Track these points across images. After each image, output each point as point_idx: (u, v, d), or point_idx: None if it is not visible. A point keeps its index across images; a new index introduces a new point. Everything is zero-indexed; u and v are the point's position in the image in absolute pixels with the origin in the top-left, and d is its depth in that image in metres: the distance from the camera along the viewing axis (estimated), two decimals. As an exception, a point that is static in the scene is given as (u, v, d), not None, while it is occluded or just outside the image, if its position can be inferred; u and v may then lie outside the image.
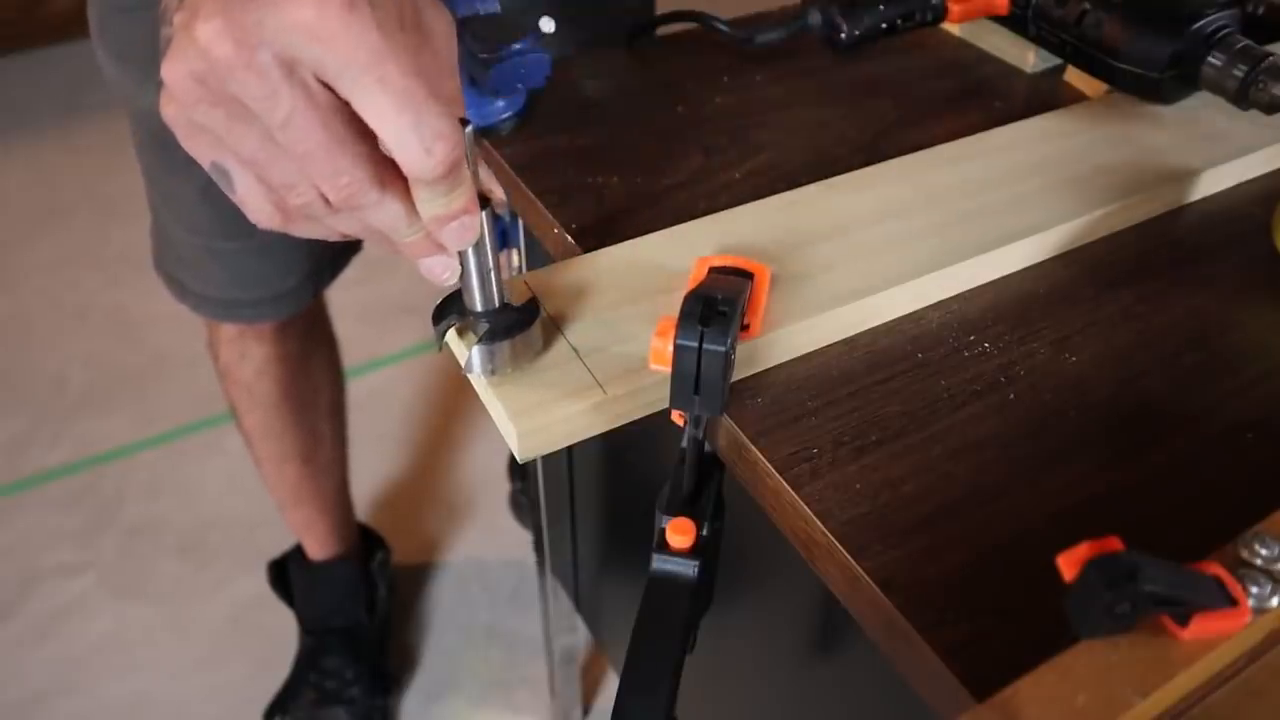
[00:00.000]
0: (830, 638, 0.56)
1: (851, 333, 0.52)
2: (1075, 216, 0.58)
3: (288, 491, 1.19)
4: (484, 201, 0.43)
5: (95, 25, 0.82)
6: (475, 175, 0.40)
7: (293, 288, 0.96)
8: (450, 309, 0.48)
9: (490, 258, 0.45)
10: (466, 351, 0.46)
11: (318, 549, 1.26)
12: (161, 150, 0.86)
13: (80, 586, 1.44)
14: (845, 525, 0.43)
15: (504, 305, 0.47)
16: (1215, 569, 0.35)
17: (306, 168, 0.35)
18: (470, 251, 0.44)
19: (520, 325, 0.46)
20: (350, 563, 1.28)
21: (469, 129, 0.38)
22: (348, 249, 1.00)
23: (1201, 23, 0.62)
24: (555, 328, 0.50)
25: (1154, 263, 0.58)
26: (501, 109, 0.67)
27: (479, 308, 0.46)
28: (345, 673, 1.24)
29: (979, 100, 0.74)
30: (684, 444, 0.45)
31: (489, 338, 0.45)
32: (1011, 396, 0.49)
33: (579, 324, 0.50)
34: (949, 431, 0.47)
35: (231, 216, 0.86)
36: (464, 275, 0.45)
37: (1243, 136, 0.65)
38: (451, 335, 0.48)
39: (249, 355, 1.03)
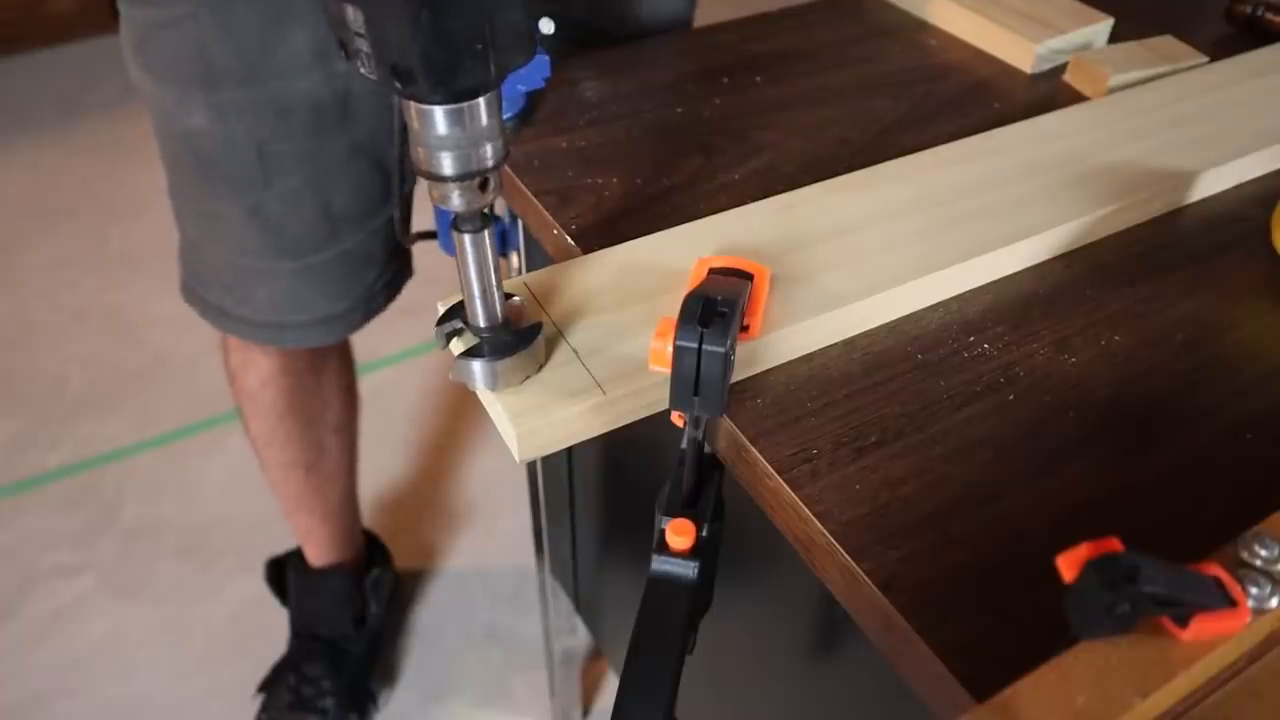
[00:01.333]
0: (830, 638, 0.56)
1: (851, 334, 0.52)
2: (1075, 217, 0.57)
3: (290, 498, 1.19)
4: (487, 219, 0.43)
5: (131, 43, 0.79)
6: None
7: (340, 311, 0.93)
8: (455, 315, 0.48)
9: (493, 276, 0.45)
10: (468, 362, 0.46)
11: (317, 556, 1.26)
12: (205, 171, 0.82)
13: (80, 587, 1.43)
14: (845, 526, 0.43)
15: (506, 322, 0.47)
16: (1215, 570, 0.35)
17: None
18: (473, 271, 0.44)
19: (522, 343, 0.46)
20: (346, 574, 1.27)
21: None
22: (399, 273, 0.97)
23: None
24: (555, 329, 0.50)
25: (1154, 263, 0.58)
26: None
27: (481, 324, 0.47)
28: (323, 683, 1.24)
29: (979, 100, 0.74)
30: (684, 445, 0.45)
31: (492, 355, 0.46)
32: (1011, 397, 0.49)
33: (578, 325, 0.50)
34: (949, 432, 0.47)
35: (278, 236, 0.85)
36: (465, 293, 0.46)
37: (1242, 137, 0.65)
38: (455, 343, 0.48)
39: (254, 365, 1.03)
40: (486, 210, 0.44)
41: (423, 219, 0.74)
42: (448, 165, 0.41)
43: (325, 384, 1.10)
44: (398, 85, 0.37)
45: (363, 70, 0.37)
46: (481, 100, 0.39)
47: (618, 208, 0.62)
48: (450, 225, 0.44)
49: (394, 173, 0.86)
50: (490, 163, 0.41)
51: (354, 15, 0.36)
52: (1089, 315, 0.54)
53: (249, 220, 0.84)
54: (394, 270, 0.95)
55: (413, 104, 0.39)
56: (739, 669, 0.70)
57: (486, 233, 0.44)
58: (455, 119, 0.39)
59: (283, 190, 0.82)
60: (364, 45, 0.36)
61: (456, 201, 0.42)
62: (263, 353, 1.01)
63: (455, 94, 0.39)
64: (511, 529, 1.52)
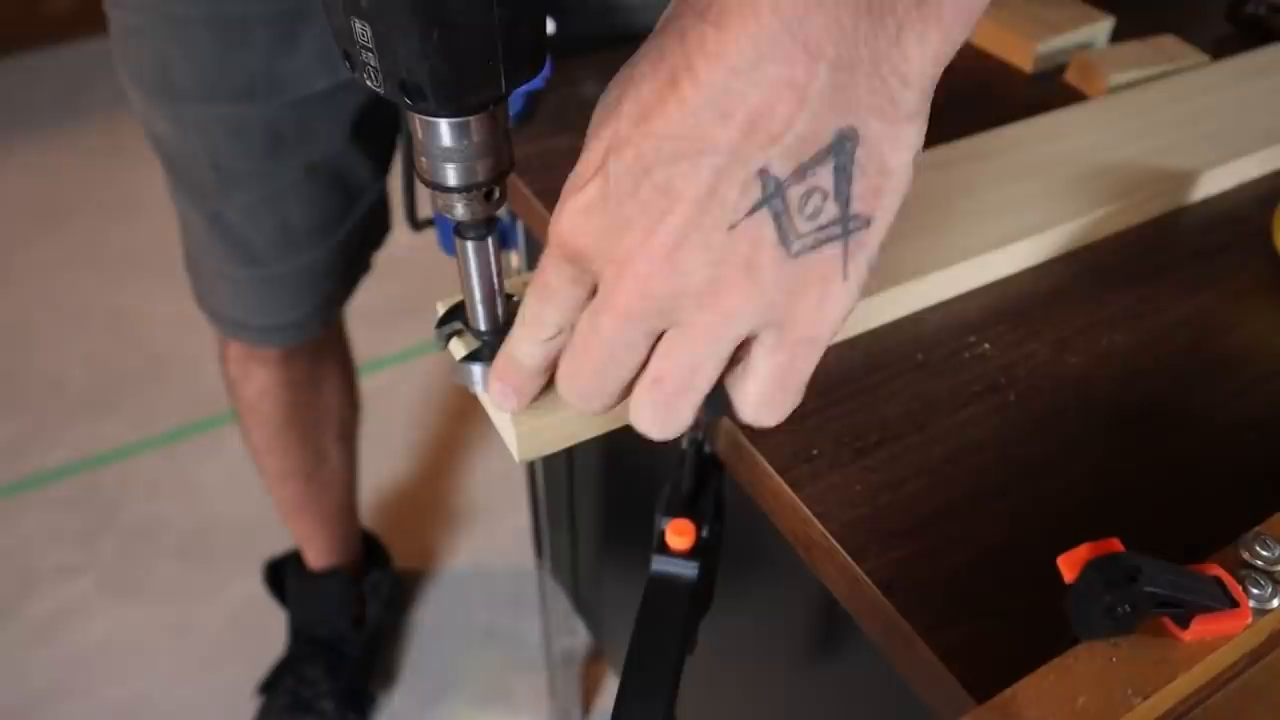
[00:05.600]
0: (830, 639, 0.56)
1: (852, 333, 0.52)
2: (1075, 217, 0.57)
3: (288, 504, 1.18)
4: (491, 225, 0.43)
5: (114, 41, 0.80)
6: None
7: (298, 319, 0.94)
8: (455, 317, 0.48)
9: (495, 281, 0.45)
10: (469, 366, 0.46)
11: (315, 559, 1.26)
12: (171, 174, 0.85)
13: (80, 588, 1.43)
14: (845, 526, 0.43)
15: (508, 324, 0.47)
16: (1216, 570, 0.35)
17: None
18: (475, 276, 0.44)
19: None
20: (344, 577, 1.27)
21: None
22: (355, 276, 0.99)
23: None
24: (555, 329, 0.50)
25: (1154, 263, 0.58)
26: (501, 110, 0.67)
27: (482, 327, 0.46)
28: (321, 684, 1.24)
29: (979, 100, 0.74)
30: (684, 445, 0.45)
31: (493, 359, 0.45)
32: (1012, 397, 0.49)
33: (579, 325, 0.50)
34: (949, 432, 0.47)
35: (239, 247, 0.86)
36: (467, 297, 0.45)
37: (1242, 137, 0.65)
38: (455, 344, 0.48)
39: (252, 376, 1.02)
40: (490, 216, 0.43)
41: (425, 204, 0.74)
42: (452, 177, 0.40)
43: (325, 393, 1.10)
44: (406, 101, 0.37)
45: (369, 84, 0.36)
46: (489, 112, 0.39)
47: (618, 208, 0.62)
48: (452, 230, 0.44)
49: (353, 189, 0.89)
50: (496, 173, 0.41)
51: (361, 29, 0.34)
52: (1089, 315, 0.54)
53: (210, 227, 0.86)
54: (351, 276, 0.97)
55: (417, 115, 0.39)
56: (739, 669, 0.70)
57: (490, 238, 0.44)
58: (461, 131, 0.39)
59: (240, 204, 0.83)
60: (371, 59, 0.35)
61: (461, 211, 0.42)
62: (261, 364, 1.01)
63: (464, 109, 0.38)
64: (511, 529, 1.52)
